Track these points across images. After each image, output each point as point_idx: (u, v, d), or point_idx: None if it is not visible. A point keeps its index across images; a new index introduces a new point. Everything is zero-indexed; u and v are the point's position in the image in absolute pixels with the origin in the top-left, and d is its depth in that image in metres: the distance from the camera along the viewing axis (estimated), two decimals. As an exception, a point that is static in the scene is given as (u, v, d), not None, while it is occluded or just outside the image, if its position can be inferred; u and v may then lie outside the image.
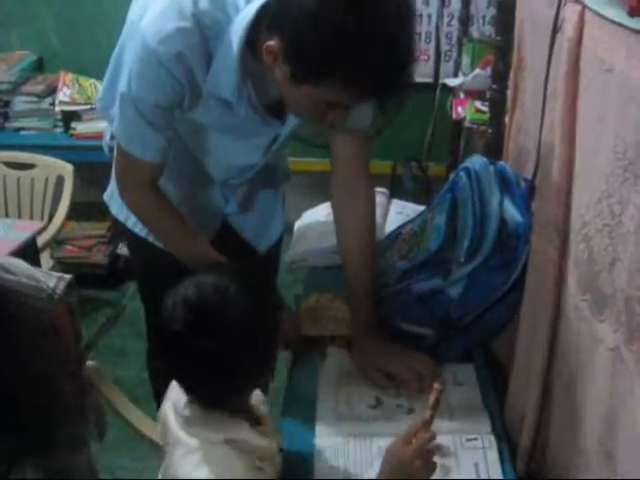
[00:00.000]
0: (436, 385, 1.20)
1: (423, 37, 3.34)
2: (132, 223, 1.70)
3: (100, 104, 1.62)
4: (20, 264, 1.41)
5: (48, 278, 1.38)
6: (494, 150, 1.86)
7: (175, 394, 1.19)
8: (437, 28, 3.31)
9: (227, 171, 1.64)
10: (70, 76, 3.37)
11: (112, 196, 1.72)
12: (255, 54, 1.28)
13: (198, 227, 1.61)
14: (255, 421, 1.19)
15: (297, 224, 2.07)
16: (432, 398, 1.18)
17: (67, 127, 3.32)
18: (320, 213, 1.95)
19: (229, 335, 1.09)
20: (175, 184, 1.63)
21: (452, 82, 2.85)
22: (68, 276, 1.40)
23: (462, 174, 1.51)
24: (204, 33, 1.30)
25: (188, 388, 1.16)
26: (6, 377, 1.25)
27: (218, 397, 1.15)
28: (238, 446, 1.12)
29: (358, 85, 1.19)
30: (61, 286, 1.37)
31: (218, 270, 1.21)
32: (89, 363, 1.72)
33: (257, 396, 1.25)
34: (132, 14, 1.41)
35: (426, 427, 1.15)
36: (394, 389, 1.47)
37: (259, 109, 1.43)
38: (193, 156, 1.61)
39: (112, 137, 1.59)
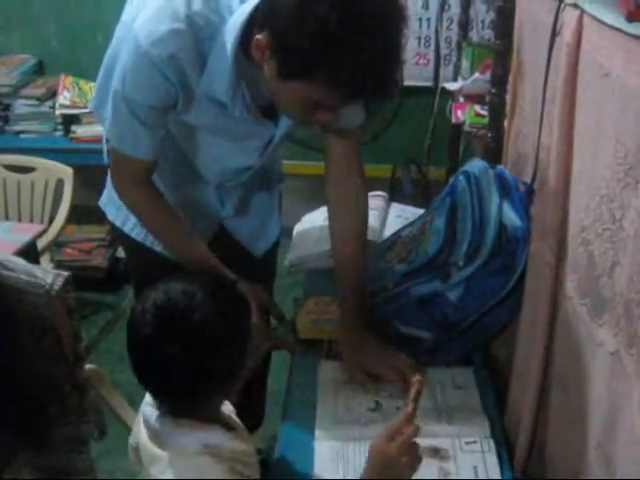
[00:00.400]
0: (417, 377, 1.19)
1: (422, 41, 3.34)
2: (129, 228, 1.70)
3: (93, 104, 1.62)
4: (18, 261, 1.42)
5: (46, 274, 1.39)
6: (493, 154, 1.86)
7: (148, 408, 1.18)
8: (437, 32, 3.30)
9: (222, 174, 1.64)
10: (70, 79, 3.38)
11: (108, 202, 1.72)
12: (249, 55, 1.28)
13: (195, 231, 1.61)
14: (228, 428, 1.19)
15: (296, 227, 2.07)
16: (413, 391, 1.17)
17: (67, 130, 3.32)
18: (319, 217, 1.95)
19: (194, 340, 1.08)
20: (171, 187, 1.64)
21: (451, 86, 2.85)
22: (65, 273, 1.41)
23: (461, 178, 1.51)
24: (197, 34, 1.30)
25: (159, 397, 1.16)
26: (3, 373, 1.25)
27: (188, 404, 1.14)
28: (215, 452, 1.11)
29: (341, 85, 1.18)
30: (59, 282, 1.38)
31: (192, 274, 1.21)
32: (89, 366, 1.72)
33: (227, 406, 1.25)
34: (125, 16, 1.41)
35: (409, 421, 1.14)
36: (374, 385, 1.48)
37: (253, 109, 1.43)
38: (188, 159, 1.61)
39: (108, 140, 1.60)
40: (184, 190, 1.67)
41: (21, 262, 1.45)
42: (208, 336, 1.09)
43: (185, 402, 1.14)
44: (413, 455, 1.13)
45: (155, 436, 1.15)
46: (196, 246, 1.55)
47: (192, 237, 1.56)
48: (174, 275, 1.17)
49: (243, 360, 1.15)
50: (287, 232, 2.03)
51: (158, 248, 1.65)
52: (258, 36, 1.21)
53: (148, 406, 1.18)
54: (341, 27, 1.11)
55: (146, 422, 1.17)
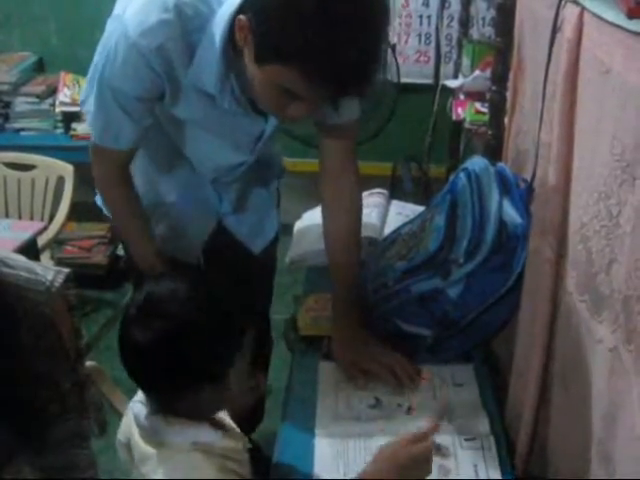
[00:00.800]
0: (426, 373, 1.20)
1: (423, 38, 3.34)
2: None
3: (81, 98, 1.62)
4: (19, 258, 1.42)
5: (46, 271, 1.39)
6: (494, 151, 1.86)
7: (138, 406, 1.18)
8: (437, 29, 3.31)
9: (215, 170, 1.64)
10: (70, 77, 3.38)
11: None
12: (237, 48, 1.27)
13: (194, 228, 1.60)
14: (217, 427, 1.18)
15: (297, 225, 2.07)
16: (441, 406, 1.18)
17: (67, 128, 3.32)
18: (319, 214, 1.95)
19: (177, 334, 1.08)
20: (168, 184, 1.64)
21: (452, 83, 2.85)
22: (66, 270, 1.41)
23: (462, 175, 1.51)
24: (186, 25, 1.30)
25: (149, 394, 1.16)
26: (4, 371, 1.25)
27: (175, 402, 1.14)
28: (205, 449, 1.11)
29: (314, 74, 1.16)
30: (59, 279, 1.38)
31: (182, 274, 1.22)
32: (89, 363, 1.72)
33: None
34: (117, 9, 1.40)
35: (432, 433, 1.15)
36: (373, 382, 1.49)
37: (243, 102, 1.42)
38: (183, 155, 1.61)
39: None
40: (182, 185, 1.66)
41: (21, 259, 1.45)
42: (192, 332, 1.09)
43: (172, 400, 1.14)
44: (429, 464, 1.14)
45: (146, 434, 1.15)
46: (151, 250, 1.57)
47: (151, 241, 1.59)
48: (165, 273, 1.18)
49: (230, 362, 1.14)
50: (287, 229, 2.02)
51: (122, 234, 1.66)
52: (240, 16, 1.21)
53: (138, 403, 1.18)
54: (322, 15, 1.10)
55: (136, 420, 1.17)
